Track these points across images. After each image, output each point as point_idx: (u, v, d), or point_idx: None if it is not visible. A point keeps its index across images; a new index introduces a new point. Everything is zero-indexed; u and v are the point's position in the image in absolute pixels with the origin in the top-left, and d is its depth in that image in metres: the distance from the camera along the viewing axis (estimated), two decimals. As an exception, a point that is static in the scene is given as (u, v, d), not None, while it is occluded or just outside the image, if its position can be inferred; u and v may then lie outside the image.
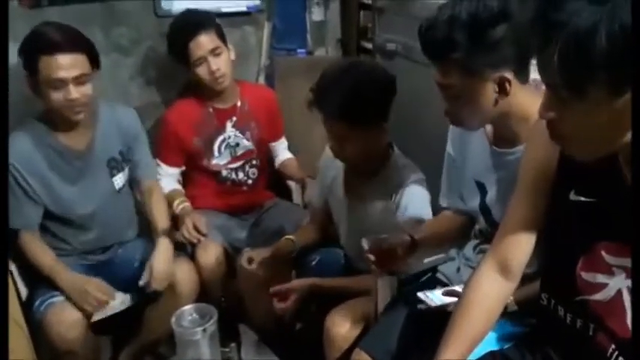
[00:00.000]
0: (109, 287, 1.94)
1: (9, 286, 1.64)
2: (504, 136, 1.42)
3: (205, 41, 2.20)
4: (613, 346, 1.05)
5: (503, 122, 1.38)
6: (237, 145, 2.41)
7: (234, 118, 2.39)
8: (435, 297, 1.47)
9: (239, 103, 2.39)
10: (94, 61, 1.90)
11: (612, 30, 0.80)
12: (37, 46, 1.80)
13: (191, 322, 1.69)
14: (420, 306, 1.47)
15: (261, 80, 2.80)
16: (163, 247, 2.04)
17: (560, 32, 0.84)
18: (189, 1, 2.42)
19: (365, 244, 1.58)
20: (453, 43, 1.26)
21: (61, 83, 1.80)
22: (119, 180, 2.08)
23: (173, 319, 1.67)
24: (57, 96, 1.82)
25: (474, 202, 1.56)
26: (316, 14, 2.87)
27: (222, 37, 2.27)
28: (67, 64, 1.80)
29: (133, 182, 2.17)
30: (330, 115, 1.71)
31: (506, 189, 1.35)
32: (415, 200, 1.78)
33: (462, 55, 1.26)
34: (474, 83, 1.31)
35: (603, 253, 1.03)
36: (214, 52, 2.22)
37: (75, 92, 1.82)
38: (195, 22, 2.25)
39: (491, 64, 1.28)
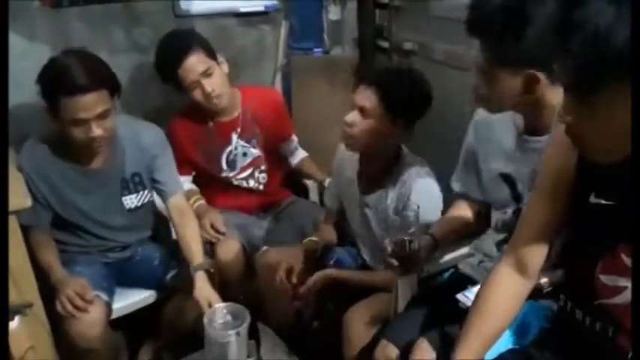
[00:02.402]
0: (89, 294, 1.83)
1: (35, 284, 1.67)
2: (534, 126, 1.43)
3: (194, 64, 2.12)
4: (633, 348, 1.05)
5: (532, 113, 1.40)
6: (245, 154, 2.36)
7: (239, 129, 2.33)
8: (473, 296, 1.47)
9: (242, 113, 2.33)
10: (115, 92, 1.85)
11: (629, 31, 0.80)
12: (58, 85, 1.74)
13: (224, 324, 1.67)
14: (460, 305, 1.46)
15: (278, 79, 2.81)
16: (203, 277, 1.97)
17: (578, 33, 0.85)
18: (207, 1, 2.42)
19: (388, 247, 1.58)
20: (495, 29, 1.27)
21: (83, 122, 1.77)
22: (129, 201, 2.05)
23: (205, 320, 1.63)
24: (79, 133, 1.79)
25: (499, 195, 1.56)
26: (333, 13, 2.87)
27: (211, 54, 2.18)
28: (88, 105, 1.74)
29: (161, 199, 2.15)
30: None
31: (532, 177, 1.37)
32: (427, 197, 1.78)
33: (499, 41, 1.28)
34: (501, 70, 1.32)
35: (623, 256, 1.03)
36: (206, 73, 2.14)
37: (97, 129, 1.78)
38: (179, 46, 2.15)
39: (524, 58, 1.28)
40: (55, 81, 1.75)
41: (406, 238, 1.55)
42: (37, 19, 2.18)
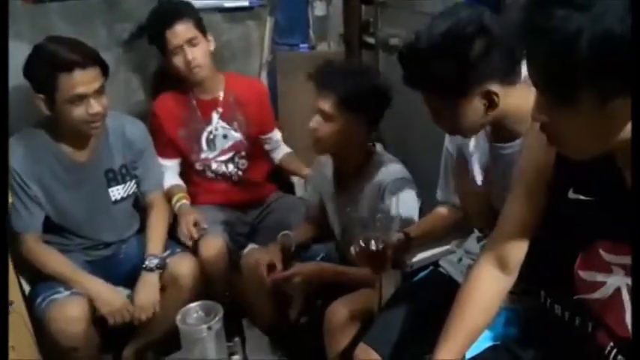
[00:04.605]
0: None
1: (16, 282, 1.66)
2: (502, 134, 1.41)
3: (182, 30, 2.20)
4: (611, 344, 1.05)
5: (499, 123, 1.37)
6: (226, 136, 2.39)
7: (220, 110, 2.37)
8: None
9: (223, 94, 2.38)
10: (105, 71, 1.89)
11: (595, 37, 0.80)
12: (54, 64, 1.77)
13: (196, 319, 1.69)
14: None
15: (264, 75, 2.80)
16: (148, 279, 2.00)
17: (546, 38, 0.85)
18: (191, -4, 2.41)
19: (352, 250, 1.59)
20: (434, 73, 1.26)
21: (83, 98, 1.80)
22: (116, 192, 2.06)
23: (178, 317, 1.67)
24: (79, 112, 1.82)
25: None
26: (318, 9, 2.86)
27: (200, 27, 2.26)
28: (87, 79, 1.80)
29: (139, 194, 2.17)
30: None
31: (506, 182, 1.35)
32: (402, 198, 1.80)
33: (444, 80, 1.26)
34: (459, 103, 1.30)
35: (601, 251, 1.03)
36: (191, 42, 2.21)
37: (96, 105, 1.83)
38: (172, 10, 2.25)
39: (474, 81, 1.27)
40: (51, 61, 1.78)
41: (371, 237, 1.56)
42: (18, 15, 2.15)
